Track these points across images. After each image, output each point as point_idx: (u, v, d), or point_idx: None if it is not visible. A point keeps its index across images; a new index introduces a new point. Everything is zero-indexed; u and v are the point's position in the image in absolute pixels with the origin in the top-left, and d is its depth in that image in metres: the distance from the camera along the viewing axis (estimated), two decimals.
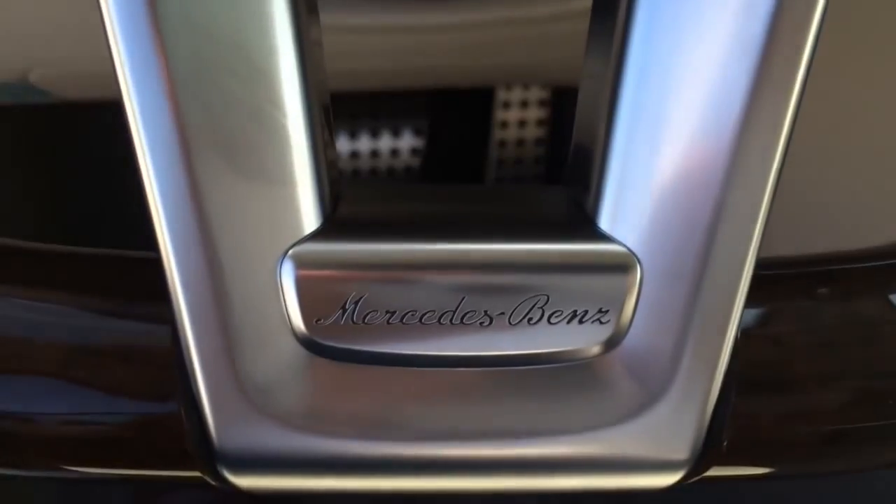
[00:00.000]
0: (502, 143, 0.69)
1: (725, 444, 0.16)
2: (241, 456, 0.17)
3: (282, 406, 0.16)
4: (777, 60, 0.15)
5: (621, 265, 0.15)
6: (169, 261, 0.17)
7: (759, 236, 0.15)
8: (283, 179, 0.17)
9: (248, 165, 0.17)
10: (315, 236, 0.17)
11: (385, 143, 0.91)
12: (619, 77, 0.16)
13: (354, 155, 0.93)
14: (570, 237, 0.15)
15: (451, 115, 0.90)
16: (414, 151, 0.93)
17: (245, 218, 0.17)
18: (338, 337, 0.17)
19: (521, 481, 0.17)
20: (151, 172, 0.16)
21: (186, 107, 0.16)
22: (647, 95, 0.16)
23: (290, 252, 0.17)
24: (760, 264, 0.17)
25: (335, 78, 0.21)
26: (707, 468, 0.16)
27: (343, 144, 0.86)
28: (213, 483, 0.18)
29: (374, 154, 0.93)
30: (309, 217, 0.18)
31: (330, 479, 0.18)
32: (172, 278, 0.17)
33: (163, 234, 0.17)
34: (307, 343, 0.17)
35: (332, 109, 0.21)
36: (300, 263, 0.17)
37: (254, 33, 0.16)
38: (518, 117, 0.68)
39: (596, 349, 0.16)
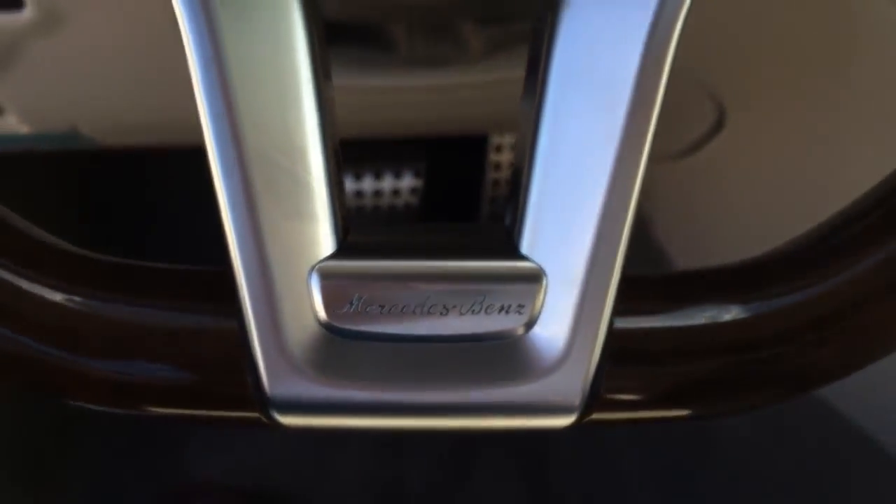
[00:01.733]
0: (496, 183, 0.77)
1: (603, 397, 0.24)
2: (287, 402, 0.24)
3: (311, 367, 0.24)
4: (631, 143, 0.22)
5: (533, 276, 0.23)
6: (237, 271, 0.24)
7: (624, 254, 0.23)
8: (311, 217, 0.24)
9: (288, 207, 0.24)
10: (332, 257, 0.25)
11: (387, 183, 0.99)
12: (535, 134, 0.23)
13: (360, 194, 1.00)
14: (500, 257, 0.23)
15: (449, 158, 0.97)
16: (413, 191, 1.01)
17: (286, 244, 0.24)
18: (347, 322, 0.24)
19: (464, 421, 0.24)
20: (228, 213, 0.23)
21: (249, 165, 0.23)
22: (554, 155, 0.23)
23: (317, 267, 0.25)
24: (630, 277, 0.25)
25: (344, 128, 0.28)
26: (591, 414, 0.24)
27: (350, 184, 0.93)
28: (265, 422, 0.25)
29: (377, 194, 1.00)
30: (328, 244, 0.25)
31: (344, 419, 0.25)
32: (240, 282, 0.24)
33: (234, 251, 0.23)
34: (327, 326, 0.24)
35: (342, 156, 0.28)
36: (323, 275, 0.25)
37: (290, 116, 0.23)
38: (510, 159, 0.76)
39: (519, 330, 0.24)
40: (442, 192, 0.98)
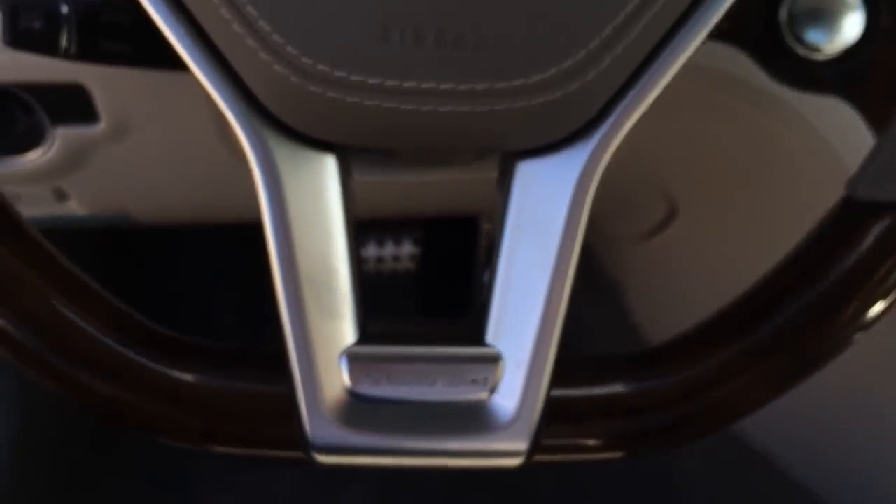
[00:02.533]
0: (487, 249, 0.87)
1: (543, 445, 0.33)
2: (323, 446, 0.33)
3: (340, 421, 0.32)
4: (561, 266, 0.30)
5: (494, 358, 0.32)
6: (289, 353, 0.33)
7: (557, 342, 0.31)
8: (342, 316, 0.33)
9: (325, 309, 0.33)
10: (356, 344, 0.34)
11: (388, 250, 1.09)
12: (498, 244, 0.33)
13: (364, 260, 1.10)
14: (471, 345, 0.32)
15: (444, 228, 1.07)
16: (412, 258, 1.11)
17: (324, 335, 0.33)
18: (366, 390, 0.34)
19: (446, 461, 0.34)
20: (284, 311, 0.32)
21: (299, 280, 0.32)
22: (508, 274, 0.32)
23: (345, 352, 0.34)
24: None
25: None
26: (534, 457, 0.33)
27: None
28: (307, 459, 0.34)
29: (380, 260, 1.10)
30: (353, 335, 0.35)
31: (363, 459, 0.34)
32: (291, 360, 0.33)
33: (287, 339, 0.33)
34: (352, 393, 0.33)
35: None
36: (350, 358, 0.34)
37: (329, 246, 0.33)
38: None
39: (484, 397, 0.33)
40: (438, 259, 1.08)
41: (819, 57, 0.50)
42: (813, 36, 0.49)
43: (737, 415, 0.35)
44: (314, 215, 0.32)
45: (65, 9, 0.41)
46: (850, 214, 0.34)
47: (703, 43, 0.31)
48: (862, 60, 0.46)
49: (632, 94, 0.30)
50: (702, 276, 0.73)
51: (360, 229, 0.34)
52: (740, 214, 0.65)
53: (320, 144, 0.31)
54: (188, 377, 0.34)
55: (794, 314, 0.34)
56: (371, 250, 1.11)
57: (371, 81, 0.28)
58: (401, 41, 0.27)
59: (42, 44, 0.42)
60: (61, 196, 0.65)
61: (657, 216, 0.70)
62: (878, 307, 0.34)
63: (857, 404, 0.71)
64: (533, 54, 0.28)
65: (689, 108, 0.52)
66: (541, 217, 0.31)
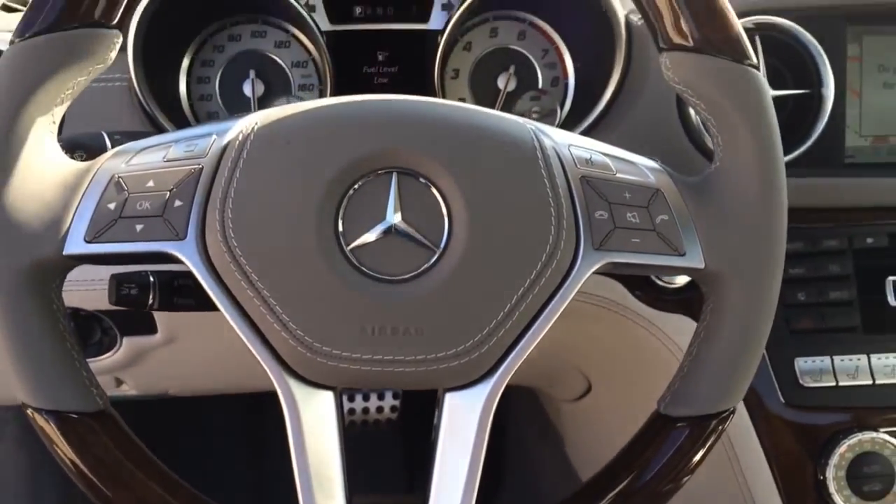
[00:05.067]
0: None
1: None
2: None
3: None
4: (475, 453, 0.49)
5: None
6: None
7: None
8: (336, 497, 0.51)
9: (325, 491, 0.51)
10: None
11: (372, 403, 1.27)
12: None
13: (351, 411, 1.28)
14: None
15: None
16: (394, 409, 1.29)
17: None
18: None
19: None
20: (300, 490, 0.49)
21: (307, 465, 0.50)
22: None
23: None
24: None
25: None
26: None
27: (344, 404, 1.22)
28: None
29: (365, 411, 1.29)
30: None
31: None
32: None
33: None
34: None
35: None
36: None
37: (324, 447, 0.52)
38: None
39: None
40: (417, 409, 1.27)
41: (672, 286, 0.72)
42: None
43: None
44: (320, 429, 0.50)
45: (151, 278, 0.61)
46: (656, 425, 0.53)
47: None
48: (694, 292, 0.66)
49: (517, 349, 0.49)
50: (612, 427, 0.92)
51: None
52: (628, 387, 0.85)
53: (324, 386, 0.50)
54: None
55: (613, 498, 0.52)
56: (356, 403, 1.30)
57: (355, 356, 0.47)
58: (372, 333, 0.47)
59: (135, 303, 0.62)
60: (119, 383, 0.84)
61: (579, 387, 0.90)
62: (669, 491, 0.52)
63: None
64: (454, 336, 0.48)
65: (584, 319, 0.73)
66: (462, 425, 0.50)
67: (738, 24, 0.49)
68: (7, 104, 0.45)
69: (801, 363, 0.72)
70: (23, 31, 0.45)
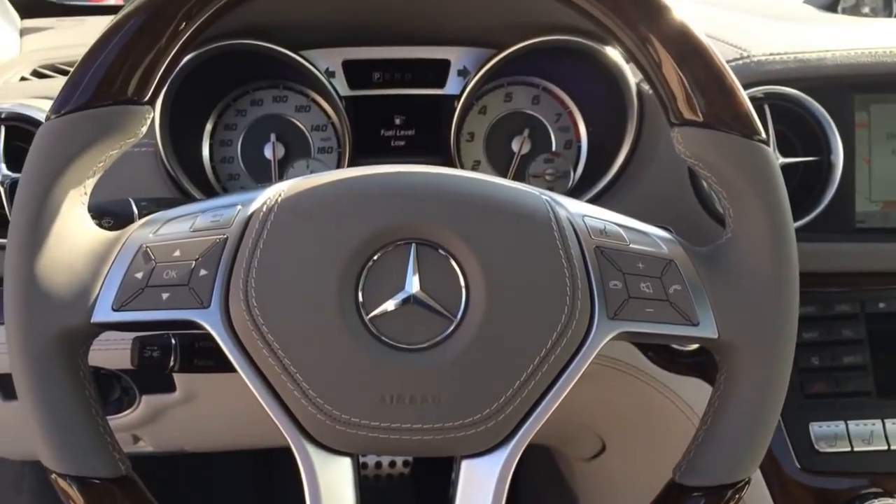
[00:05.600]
0: None
1: None
2: None
3: None
4: None
5: None
6: None
7: None
8: None
9: None
10: None
11: (385, 457, 1.27)
12: None
13: (364, 465, 1.28)
14: None
15: None
16: (406, 463, 1.29)
17: None
18: None
19: None
20: None
21: None
22: None
23: None
24: None
25: None
26: None
27: None
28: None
29: (378, 465, 1.29)
30: None
31: None
32: None
33: None
34: None
35: None
36: None
37: None
38: None
39: None
40: (430, 465, 1.27)
41: (686, 349, 0.72)
42: None
43: None
44: (337, 493, 0.50)
45: (173, 341, 0.63)
46: (672, 494, 0.53)
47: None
48: (708, 356, 0.67)
49: (533, 417, 0.50)
50: (627, 489, 0.92)
51: None
52: (643, 449, 0.85)
53: (342, 452, 0.51)
54: None
55: None
56: (370, 457, 1.30)
57: (373, 424, 0.48)
58: (391, 402, 0.48)
59: (156, 365, 0.63)
60: (136, 439, 0.85)
61: (594, 447, 0.90)
62: None
63: None
64: (471, 405, 0.49)
65: (598, 381, 0.74)
66: (479, 493, 0.50)
67: (748, 101, 0.50)
68: (42, 178, 0.47)
69: (816, 428, 0.72)
70: (59, 108, 0.47)
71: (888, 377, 0.73)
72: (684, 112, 0.50)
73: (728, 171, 0.50)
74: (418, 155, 0.86)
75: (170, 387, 0.77)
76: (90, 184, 0.50)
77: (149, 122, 0.50)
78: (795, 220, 0.70)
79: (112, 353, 0.68)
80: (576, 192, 0.82)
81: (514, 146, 0.87)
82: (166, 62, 0.49)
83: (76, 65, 0.48)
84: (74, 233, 0.48)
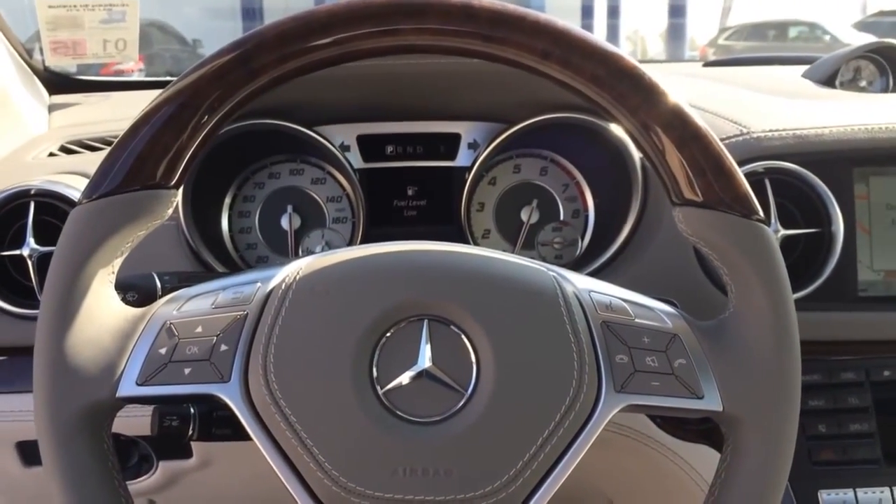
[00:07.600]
0: None
1: None
2: None
3: None
4: None
5: None
6: None
7: None
8: None
9: None
10: None
11: None
12: None
13: None
14: None
15: None
16: None
17: None
18: None
19: None
20: None
21: None
22: None
23: None
24: None
25: None
26: None
27: None
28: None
29: None
30: None
31: None
32: None
33: None
34: None
35: None
36: None
37: None
38: None
39: None
40: None
41: (692, 418, 0.73)
42: None
43: None
44: None
45: (192, 410, 0.64)
46: None
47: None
48: (715, 423, 0.68)
49: (543, 488, 0.50)
50: None
51: None
52: None
53: None
54: None
55: None
56: None
57: (387, 496, 0.49)
58: (404, 474, 0.50)
59: (176, 434, 0.64)
60: None
61: None
62: None
63: None
64: (482, 477, 0.50)
65: (610, 448, 0.75)
66: None
67: (745, 183, 0.53)
68: (73, 260, 0.50)
69: (825, 496, 0.72)
70: (91, 193, 0.50)
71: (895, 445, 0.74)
72: (685, 192, 0.53)
73: (728, 249, 0.52)
74: (430, 224, 0.89)
75: (186, 453, 0.78)
76: (118, 263, 0.52)
77: (175, 204, 0.53)
78: (799, 289, 0.71)
79: (131, 420, 0.70)
80: (583, 261, 0.85)
81: (524, 216, 0.89)
82: (192, 149, 0.52)
83: (108, 152, 0.51)
84: (102, 310, 0.51)
